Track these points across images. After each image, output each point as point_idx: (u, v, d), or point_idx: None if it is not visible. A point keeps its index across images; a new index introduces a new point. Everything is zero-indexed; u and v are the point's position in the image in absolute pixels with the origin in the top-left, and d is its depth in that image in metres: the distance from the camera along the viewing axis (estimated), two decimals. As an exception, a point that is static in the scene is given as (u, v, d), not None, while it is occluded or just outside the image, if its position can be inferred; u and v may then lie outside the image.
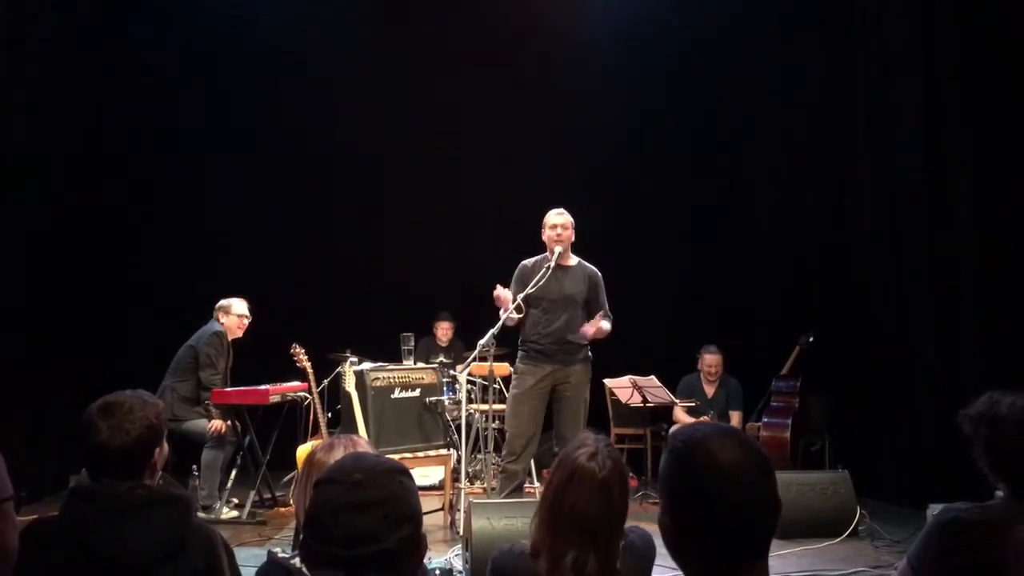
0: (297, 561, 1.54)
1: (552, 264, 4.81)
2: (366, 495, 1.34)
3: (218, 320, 5.82)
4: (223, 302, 5.90)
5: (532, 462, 5.89)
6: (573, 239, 4.96)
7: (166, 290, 7.12)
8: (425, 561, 1.46)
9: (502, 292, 4.80)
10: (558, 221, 4.92)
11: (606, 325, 4.84)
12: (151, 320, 6.92)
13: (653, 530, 2.16)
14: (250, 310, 5.97)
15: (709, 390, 6.50)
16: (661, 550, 2.13)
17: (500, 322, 4.77)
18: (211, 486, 5.44)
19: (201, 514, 5.26)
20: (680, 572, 1.40)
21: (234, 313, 5.85)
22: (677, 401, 6.17)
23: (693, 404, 6.33)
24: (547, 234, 4.94)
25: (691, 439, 1.40)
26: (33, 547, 1.93)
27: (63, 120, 6.30)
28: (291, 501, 5.46)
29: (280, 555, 1.91)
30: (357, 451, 1.85)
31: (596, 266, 5.03)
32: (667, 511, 1.41)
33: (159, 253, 7.22)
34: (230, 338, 5.81)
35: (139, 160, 7.08)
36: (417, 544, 1.38)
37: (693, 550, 1.37)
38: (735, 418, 6.34)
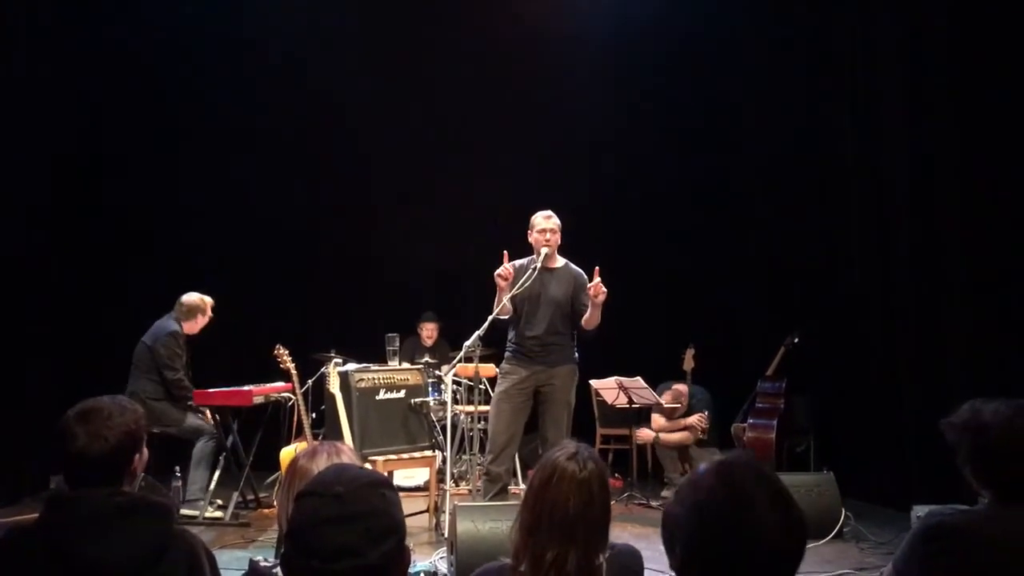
0: (279, 571, 1.52)
1: (538, 266, 4.78)
2: (348, 509, 1.32)
3: (177, 320, 5.69)
4: (189, 302, 5.73)
5: (518, 463, 5.90)
6: (560, 242, 4.93)
7: (150, 290, 7.04)
8: (410, 568, 1.44)
9: (506, 268, 4.68)
10: (546, 225, 4.87)
11: (603, 291, 4.63)
12: (134, 320, 6.84)
13: (641, 532, 2.16)
14: (236, 311, 5.91)
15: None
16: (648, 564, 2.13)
17: (487, 323, 4.73)
18: (203, 479, 5.40)
19: (186, 510, 5.23)
20: None
21: (198, 317, 5.72)
22: (663, 403, 6.17)
23: (677, 407, 6.32)
24: (534, 237, 4.90)
25: (728, 503, 1.31)
26: (9, 556, 1.89)
27: (59, 121, 6.26)
28: (274, 503, 5.43)
29: (263, 563, 1.89)
30: (340, 461, 1.82)
31: (583, 266, 5.01)
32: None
33: (145, 252, 7.16)
34: (188, 335, 5.71)
35: (138, 161, 7.03)
36: (400, 558, 1.37)
37: None
38: (693, 419, 6.18)
